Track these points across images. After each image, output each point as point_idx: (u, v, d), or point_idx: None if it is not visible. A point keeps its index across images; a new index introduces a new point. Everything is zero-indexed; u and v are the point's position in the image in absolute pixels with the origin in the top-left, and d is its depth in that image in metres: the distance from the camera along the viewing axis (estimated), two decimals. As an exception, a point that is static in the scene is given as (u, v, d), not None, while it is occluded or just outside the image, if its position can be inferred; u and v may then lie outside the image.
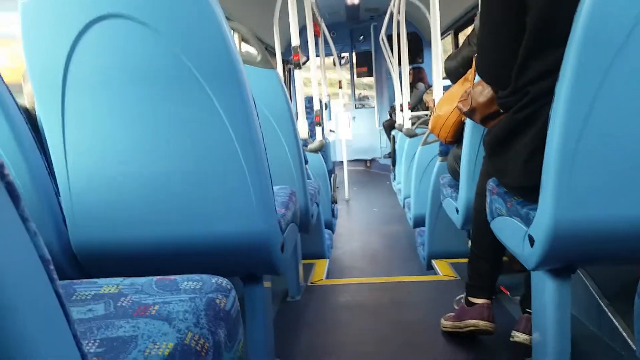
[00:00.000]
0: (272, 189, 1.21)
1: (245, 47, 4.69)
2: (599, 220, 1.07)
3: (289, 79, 7.50)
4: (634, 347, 1.44)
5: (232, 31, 1.87)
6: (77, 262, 1.25)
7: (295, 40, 2.86)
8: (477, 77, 1.71)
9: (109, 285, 0.82)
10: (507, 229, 1.34)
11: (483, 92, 1.44)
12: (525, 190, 1.22)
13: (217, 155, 1.11)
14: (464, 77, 1.96)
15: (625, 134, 1.02)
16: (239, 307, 0.80)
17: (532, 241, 1.16)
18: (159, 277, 0.82)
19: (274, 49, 4.94)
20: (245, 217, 1.16)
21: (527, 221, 1.19)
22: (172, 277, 0.81)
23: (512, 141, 1.19)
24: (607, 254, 1.18)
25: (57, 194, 1.21)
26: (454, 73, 2.05)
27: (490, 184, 1.45)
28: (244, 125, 1.10)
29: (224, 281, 0.79)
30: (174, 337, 0.65)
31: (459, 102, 1.59)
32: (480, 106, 1.45)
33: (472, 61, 1.91)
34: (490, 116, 1.43)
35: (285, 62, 6.82)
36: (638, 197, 1.05)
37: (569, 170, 1.04)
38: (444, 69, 2.19)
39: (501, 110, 1.35)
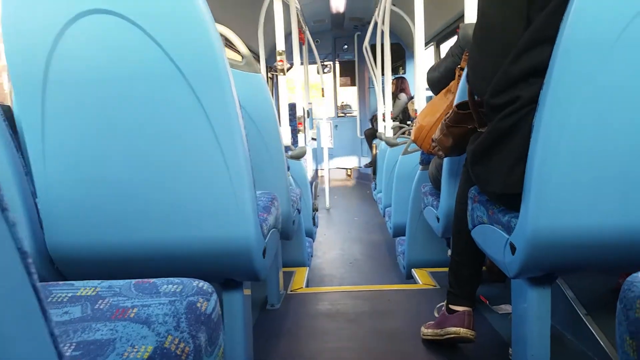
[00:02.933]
0: (255, 193, 1.20)
1: (230, 52, 4.68)
2: (580, 229, 1.08)
3: (272, 85, 7.49)
4: (610, 355, 1.45)
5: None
6: (53, 264, 1.22)
7: (280, 46, 2.86)
8: (460, 90, 1.74)
9: (86, 287, 0.79)
10: (488, 236, 1.34)
11: (448, 142, 1.53)
12: (507, 199, 1.22)
13: (200, 157, 1.10)
14: (446, 88, 1.98)
15: (607, 144, 1.03)
16: (220, 311, 0.79)
17: (513, 249, 1.17)
18: (137, 280, 0.80)
19: (258, 55, 4.94)
20: (227, 221, 1.15)
21: (509, 229, 1.19)
22: (152, 280, 0.79)
23: (496, 149, 1.20)
24: (588, 262, 1.19)
25: (34, 195, 1.18)
26: (436, 84, 2.07)
27: (472, 192, 1.46)
28: (228, 128, 1.09)
29: (205, 284, 0.77)
30: (154, 340, 0.63)
31: (435, 140, 1.66)
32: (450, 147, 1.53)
33: (454, 72, 1.93)
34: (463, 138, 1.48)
35: (269, 68, 6.81)
36: (619, 207, 1.06)
37: (551, 179, 1.05)
38: (426, 80, 2.20)
39: (478, 129, 1.38)
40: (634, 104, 1.02)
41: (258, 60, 5.16)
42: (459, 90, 1.75)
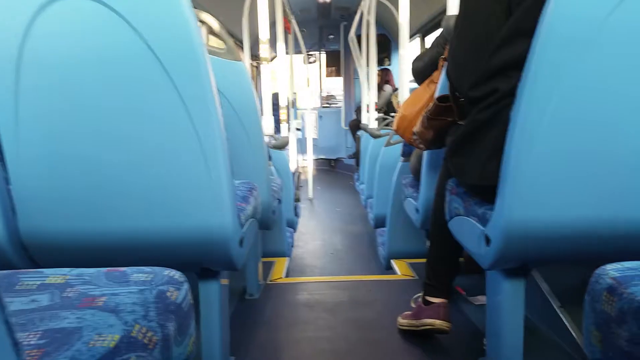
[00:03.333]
0: (233, 182, 1.19)
1: (213, 39, 4.62)
2: (554, 221, 1.09)
3: (256, 74, 7.43)
4: (582, 346, 1.48)
5: (199, 21, 1.83)
6: (26, 251, 1.20)
7: (264, 35, 2.83)
8: (441, 83, 1.74)
9: (55, 275, 0.78)
10: (464, 228, 1.35)
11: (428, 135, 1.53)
12: (483, 190, 1.23)
13: (176, 144, 1.08)
14: (429, 78, 1.98)
15: (582, 138, 1.05)
16: (192, 301, 0.78)
17: (488, 240, 1.18)
18: (108, 268, 0.79)
19: (242, 43, 4.89)
20: (203, 210, 1.14)
21: (484, 221, 1.20)
22: (122, 268, 0.78)
23: (474, 141, 1.21)
24: (562, 254, 1.20)
25: (7, 181, 1.16)
26: (420, 74, 2.07)
27: (450, 184, 1.46)
28: (205, 114, 1.07)
29: (176, 274, 0.76)
30: (121, 329, 0.62)
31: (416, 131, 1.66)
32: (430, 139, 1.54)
33: (437, 62, 1.93)
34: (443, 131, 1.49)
35: (253, 57, 6.76)
36: (592, 199, 1.08)
37: (526, 171, 1.06)
38: (411, 70, 2.21)
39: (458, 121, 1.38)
40: (610, 98, 1.03)
41: (242, 49, 5.12)
42: (440, 82, 1.76)
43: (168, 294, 0.71)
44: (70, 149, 1.11)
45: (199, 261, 1.26)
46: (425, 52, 2.08)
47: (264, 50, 2.86)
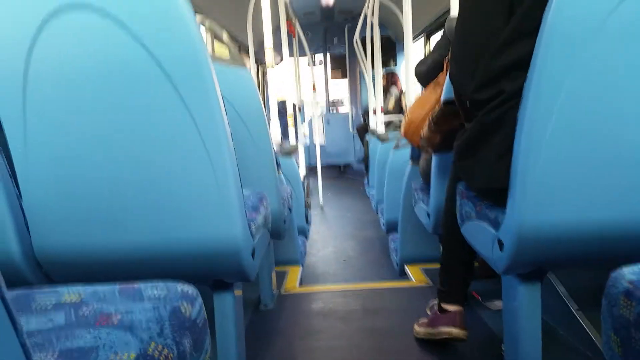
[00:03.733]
0: (242, 192, 1.19)
1: (218, 45, 4.63)
2: (567, 224, 1.08)
3: (263, 80, 7.45)
4: (601, 349, 1.46)
5: (204, 28, 1.83)
6: (41, 267, 1.21)
7: (268, 42, 2.84)
8: (446, 85, 1.73)
9: (70, 293, 0.78)
10: (477, 233, 1.34)
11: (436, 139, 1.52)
12: (494, 194, 1.22)
13: (185, 157, 1.09)
14: (434, 81, 1.98)
15: (592, 138, 1.03)
16: (206, 315, 0.78)
17: (501, 245, 1.16)
18: (122, 284, 0.79)
19: (248, 48, 4.90)
20: (214, 222, 1.14)
21: (496, 225, 1.19)
22: (136, 284, 0.78)
23: (481, 144, 1.20)
24: (576, 258, 1.19)
25: (20, 197, 1.16)
26: (424, 77, 2.07)
27: (460, 187, 1.45)
28: (212, 125, 1.07)
29: (189, 288, 0.76)
30: (137, 347, 0.62)
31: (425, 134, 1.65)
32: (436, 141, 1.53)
33: (442, 65, 1.92)
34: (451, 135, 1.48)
35: (258, 62, 6.77)
36: (605, 200, 1.06)
37: (536, 173, 1.04)
38: (414, 74, 2.20)
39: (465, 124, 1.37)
40: (617, 95, 1.02)
41: (248, 54, 5.13)
42: (446, 85, 1.75)
43: (182, 309, 0.71)
44: (80, 164, 1.12)
45: (211, 273, 1.26)
46: (428, 56, 2.07)
47: (269, 55, 2.86)
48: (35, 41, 1.02)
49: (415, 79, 2.25)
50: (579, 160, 1.04)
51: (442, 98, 1.72)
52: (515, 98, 1.09)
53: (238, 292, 1.38)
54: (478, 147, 1.21)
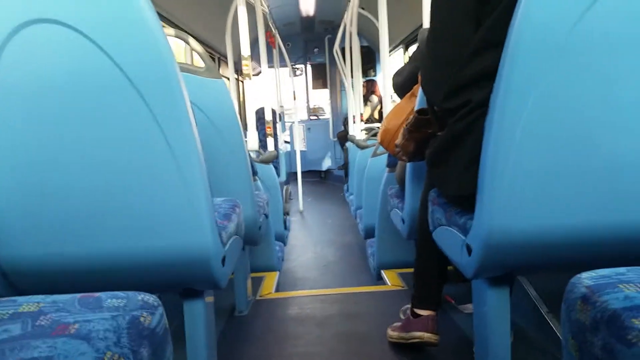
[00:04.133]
0: (212, 201, 1.18)
1: (197, 57, 4.62)
2: (533, 230, 1.09)
3: (243, 90, 7.45)
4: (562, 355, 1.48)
5: (183, 41, 1.84)
6: (6, 278, 1.19)
7: (245, 51, 2.85)
8: (420, 95, 1.75)
9: (29, 303, 0.77)
10: (447, 238, 1.35)
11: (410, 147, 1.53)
12: (463, 200, 1.24)
13: (152, 166, 1.08)
14: (410, 92, 2.00)
15: (558, 145, 1.05)
16: (167, 325, 0.77)
17: (469, 250, 1.18)
18: (82, 294, 0.78)
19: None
20: (183, 230, 1.13)
21: (465, 231, 1.21)
22: (97, 294, 0.77)
23: (451, 151, 1.21)
24: (543, 263, 1.20)
25: None
26: (400, 88, 2.09)
27: (432, 194, 1.47)
28: (180, 133, 1.07)
29: (150, 298, 0.76)
30: (92, 356, 0.61)
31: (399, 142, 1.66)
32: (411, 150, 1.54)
33: (417, 76, 1.95)
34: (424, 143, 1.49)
35: (239, 72, 6.78)
36: (570, 207, 1.08)
37: (503, 180, 1.06)
38: (392, 85, 2.22)
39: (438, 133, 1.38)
40: (584, 104, 1.03)
41: (227, 65, 5.14)
42: (419, 95, 1.77)
43: (141, 319, 0.71)
44: (46, 174, 1.10)
45: (181, 282, 1.25)
46: (404, 67, 2.10)
47: (246, 67, 2.86)
48: (1, 53, 1.01)
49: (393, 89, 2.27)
50: (545, 168, 1.06)
51: (416, 107, 1.74)
52: (483, 107, 1.10)
53: (209, 299, 1.37)
54: (448, 155, 1.22)
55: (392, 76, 2.24)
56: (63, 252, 1.15)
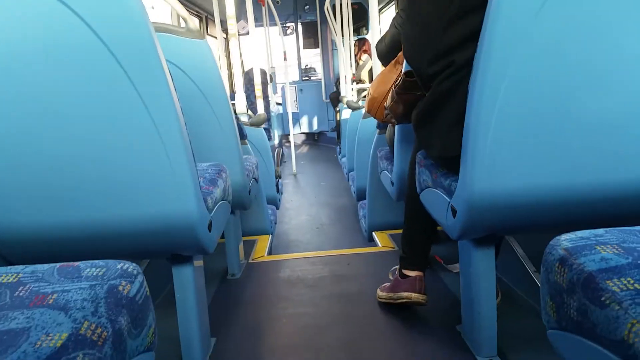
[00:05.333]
0: (195, 166, 1.17)
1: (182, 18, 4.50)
2: (516, 191, 1.09)
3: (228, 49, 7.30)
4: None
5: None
6: None
7: (230, 9, 2.77)
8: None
9: (8, 274, 0.77)
10: (433, 200, 1.36)
11: (399, 109, 1.50)
12: (448, 162, 1.23)
13: (133, 132, 1.06)
14: (395, 59, 1.96)
15: (540, 106, 1.04)
16: (148, 292, 0.77)
17: (454, 212, 1.18)
18: (62, 263, 0.77)
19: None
20: (167, 197, 1.13)
21: (450, 192, 1.20)
22: (76, 263, 0.77)
23: (437, 113, 1.20)
24: (527, 224, 1.21)
25: None
26: (384, 56, 2.05)
27: (419, 156, 1.46)
28: (159, 99, 1.05)
29: (130, 266, 0.75)
30: (69, 327, 0.62)
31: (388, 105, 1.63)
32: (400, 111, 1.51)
33: (400, 43, 1.90)
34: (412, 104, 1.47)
35: (226, 32, 6.63)
36: (553, 167, 1.08)
37: (486, 142, 1.05)
38: (376, 53, 2.18)
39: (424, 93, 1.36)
40: (565, 63, 1.02)
41: (214, 23, 5.01)
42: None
43: (120, 288, 0.70)
44: (28, 142, 1.09)
45: (168, 248, 1.25)
46: (386, 34, 2.04)
47: (232, 26, 2.79)
48: None
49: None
50: (528, 129, 1.05)
51: (403, 70, 1.71)
52: (466, 68, 1.09)
53: (198, 263, 1.37)
54: (434, 116, 1.21)
55: (375, 44, 2.20)
56: (47, 221, 1.14)
